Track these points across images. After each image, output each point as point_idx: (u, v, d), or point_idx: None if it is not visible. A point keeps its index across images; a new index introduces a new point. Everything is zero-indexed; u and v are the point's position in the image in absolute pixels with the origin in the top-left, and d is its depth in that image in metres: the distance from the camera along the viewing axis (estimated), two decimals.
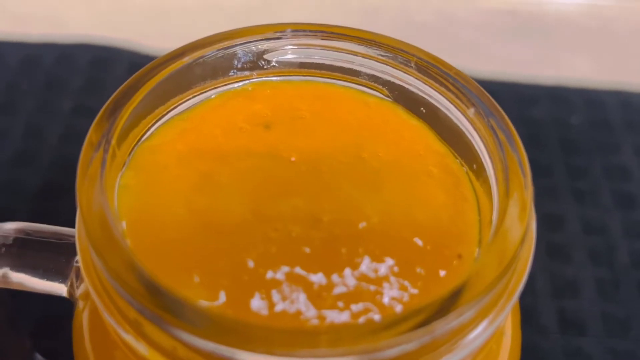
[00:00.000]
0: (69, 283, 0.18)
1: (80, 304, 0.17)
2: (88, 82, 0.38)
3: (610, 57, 0.43)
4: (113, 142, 0.14)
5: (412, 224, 0.14)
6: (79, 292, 0.18)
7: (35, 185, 0.33)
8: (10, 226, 0.18)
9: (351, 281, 0.13)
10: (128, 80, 0.15)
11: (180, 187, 0.15)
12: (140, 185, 0.14)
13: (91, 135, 0.14)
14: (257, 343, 0.11)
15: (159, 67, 0.16)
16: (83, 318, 0.17)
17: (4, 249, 0.18)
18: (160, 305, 0.12)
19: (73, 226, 0.15)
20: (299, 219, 0.14)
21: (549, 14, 0.45)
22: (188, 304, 0.12)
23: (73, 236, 0.18)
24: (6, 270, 0.17)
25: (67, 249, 0.18)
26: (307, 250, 0.14)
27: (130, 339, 0.13)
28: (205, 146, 0.15)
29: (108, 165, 0.14)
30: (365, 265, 0.13)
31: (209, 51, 0.16)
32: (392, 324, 0.12)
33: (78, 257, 0.14)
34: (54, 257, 0.18)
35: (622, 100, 0.39)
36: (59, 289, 0.17)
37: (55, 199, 0.32)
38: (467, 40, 0.43)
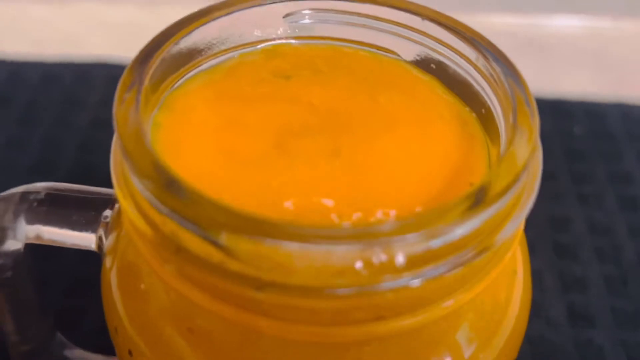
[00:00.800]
0: (98, 236, 0.18)
1: (108, 259, 0.18)
2: (104, 97, 0.39)
3: (609, 76, 0.44)
4: (146, 83, 0.15)
5: (426, 156, 0.15)
6: (107, 245, 0.18)
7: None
8: (41, 184, 0.19)
9: (373, 201, 0.14)
10: (158, 34, 0.16)
11: (209, 126, 0.15)
12: (171, 124, 0.15)
13: (125, 78, 0.15)
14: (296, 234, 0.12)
15: (186, 23, 0.17)
16: (111, 272, 0.18)
17: (35, 204, 0.19)
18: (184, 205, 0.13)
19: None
20: (320, 150, 0.15)
21: (548, 35, 0.47)
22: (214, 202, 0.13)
23: (101, 193, 0.19)
24: (38, 226, 0.18)
25: (96, 203, 0.18)
26: (329, 176, 0.15)
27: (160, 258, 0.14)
28: (231, 93, 0.16)
29: (142, 103, 0.15)
30: (384, 190, 0.14)
31: (235, 10, 0.17)
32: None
33: (112, 177, 0.15)
34: (84, 211, 0.18)
35: (623, 112, 0.41)
36: (89, 240, 0.18)
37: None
38: None
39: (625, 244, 0.34)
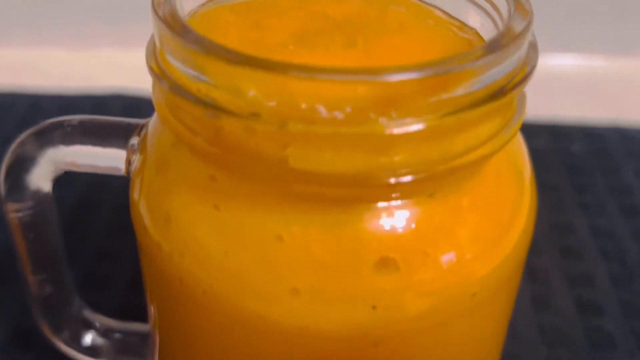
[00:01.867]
0: (126, 160, 0.20)
1: (136, 181, 0.19)
2: None
3: (602, 106, 0.46)
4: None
5: (433, 49, 0.17)
6: (133, 168, 0.19)
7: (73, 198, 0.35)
8: (74, 116, 0.20)
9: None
10: None
11: (234, 28, 0.17)
12: (200, 27, 0.16)
13: None
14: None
15: None
16: (135, 190, 0.19)
17: (69, 128, 0.20)
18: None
19: None
20: (337, 43, 0.16)
21: (545, 72, 0.49)
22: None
23: (129, 122, 0.20)
24: (73, 147, 0.19)
25: (124, 129, 0.20)
26: (346, 60, 0.16)
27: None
28: (254, 6, 0.18)
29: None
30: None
31: None
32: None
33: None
34: (114, 135, 0.20)
35: (617, 131, 0.42)
36: (119, 160, 0.19)
37: (91, 210, 0.34)
38: None
39: (629, 246, 0.35)
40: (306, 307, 0.16)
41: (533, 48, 0.16)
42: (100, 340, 0.24)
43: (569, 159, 0.40)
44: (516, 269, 0.18)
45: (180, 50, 0.15)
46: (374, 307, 0.16)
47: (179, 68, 0.15)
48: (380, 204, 0.15)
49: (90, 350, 0.24)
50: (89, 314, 0.24)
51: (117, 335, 0.25)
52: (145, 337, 0.25)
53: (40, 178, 0.20)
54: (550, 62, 0.50)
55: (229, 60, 0.14)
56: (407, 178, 0.15)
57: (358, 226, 0.15)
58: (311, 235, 0.15)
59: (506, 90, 0.15)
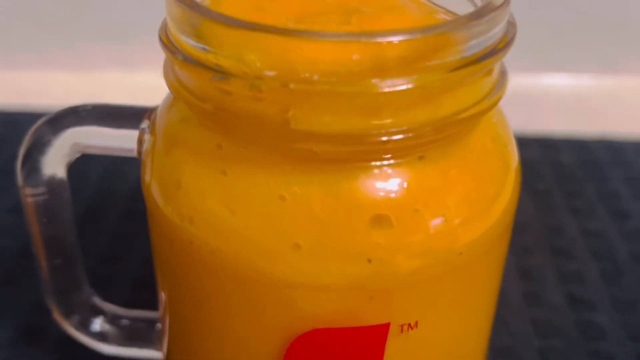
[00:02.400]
0: (138, 140, 0.21)
1: (147, 159, 0.20)
2: None
3: (590, 121, 0.47)
4: None
5: (420, 24, 0.18)
6: (144, 149, 0.21)
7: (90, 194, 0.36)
8: (88, 103, 0.22)
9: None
10: None
11: (237, 12, 0.18)
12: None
13: None
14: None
15: None
16: (146, 168, 0.20)
17: (84, 113, 0.21)
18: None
19: None
20: (333, 21, 0.18)
21: (537, 90, 0.51)
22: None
23: (139, 107, 0.21)
24: (88, 127, 0.21)
25: (135, 114, 0.21)
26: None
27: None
28: None
29: None
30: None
31: None
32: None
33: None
34: (125, 119, 0.21)
35: (605, 143, 0.44)
36: (130, 142, 0.21)
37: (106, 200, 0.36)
38: None
39: (618, 246, 0.36)
40: (307, 261, 0.17)
41: (512, 26, 0.18)
42: (108, 327, 0.25)
43: (560, 169, 0.42)
44: (501, 236, 0.19)
45: (191, 23, 0.16)
46: (369, 261, 0.17)
47: (190, 43, 0.17)
48: (374, 164, 0.17)
49: (99, 335, 0.25)
50: (97, 301, 0.25)
51: (125, 321, 0.26)
52: (152, 324, 0.26)
53: (55, 162, 0.22)
54: (541, 82, 0.52)
55: (234, 26, 0.16)
56: (397, 137, 0.16)
57: (354, 185, 0.17)
58: (311, 194, 0.17)
59: (487, 56, 0.16)
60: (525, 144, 0.44)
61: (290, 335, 0.18)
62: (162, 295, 0.22)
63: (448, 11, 0.20)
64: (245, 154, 0.17)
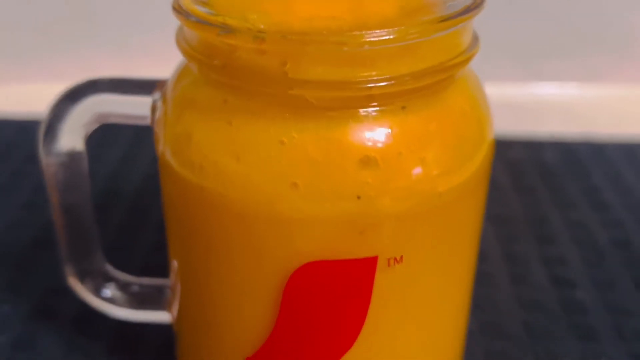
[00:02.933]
0: (151, 108, 0.23)
1: (160, 125, 0.23)
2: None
3: (575, 126, 0.50)
4: None
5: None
6: (156, 117, 0.23)
7: None
8: (106, 77, 0.24)
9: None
10: None
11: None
12: None
13: None
14: None
15: None
16: (160, 131, 0.22)
17: (101, 85, 0.24)
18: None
19: None
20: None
21: (525, 97, 0.54)
22: None
23: (152, 79, 0.24)
24: (107, 95, 0.23)
25: (148, 85, 0.24)
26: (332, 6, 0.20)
27: None
28: None
29: None
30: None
31: None
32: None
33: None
34: (140, 89, 0.23)
35: (588, 144, 0.46)
36: (144, 109, 0.23)
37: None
38: None
39: (599, 234, 0.38)
40: (304, 198, 0.19)
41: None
42: (119, 293, 0.27)
43: (544, 167, 0.44)
44: (476, 187, 0.21)
45: None
46: (358, 197, 0.19)
47: (200, 9, 0.19)
48: (362, 111, 0.19)
49: (110, 300, 0.27)
50: (110, 268, 0.27)
51: (135, 288, 0.28)
52: (161, 290, 0.28)
53: (75, 131, 0.24)
54: (530, 90, 0.54)
55: None
56: (381, 84, 0.18)
57: (344, 130, 0.19)
58: (307, 139, 0.19)
59: (456, 21, 0.19)
60: (516, 145, 0.46)
61: (289, 269, 0.20)
62: (173, 251, 0.24)
63: None
64: (248, 106, 0.19)
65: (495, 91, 0.53)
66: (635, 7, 0.53)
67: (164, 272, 0.27)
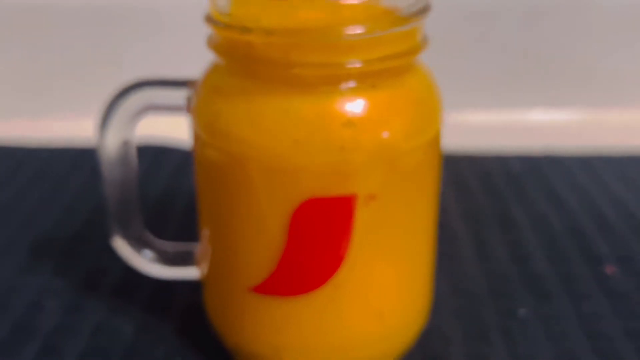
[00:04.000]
0: (187, 98, 0.31)
1: (195, 110, 0.30)
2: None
3: (539, 143, 0.57)
4: None
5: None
6: (191, 105, 0.31)
7: None
8: (150, 77, 0.32)
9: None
10: None
11: None
12: None
13: None
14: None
15: None
16: (195, 115, 0.30)
17: (145, 82, 0.31)
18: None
19: None
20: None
21: (494, 121, 0.61)
22: None
23: (185, 78, 0.31)
24: (151, 90, 0.30)
25: (182, 83, 0.31)
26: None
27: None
28: None
29: None
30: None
31: None
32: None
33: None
34: (178, 84, 0.31)
35: (550, 157, 0.54)
36: (182, 100, 0.30)
37: None
38: None
39: (555, 223, 0.45)
40: (303, 151, 0.26)
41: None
42: (155, 255, 0.34)
43: (511, 176, 0.51)
44: (429, 149, 0.28)
45: (224, 5, 0.27)
46: (342, 148, 0.26)
47: (226, 18, 0.27)
48: (343, 87, 0.26)
49: (149, 259, 0.34)
50: (149, 235, 0.34)
51: (169, 250, 0.34)
52: (191, 253, 0.34)
53: (125, 121, 0.31)
54: (500, 116, 0.62)
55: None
56: (356, 65, 0.26)
57: (332, 101, 0.26)
58: (304, 107, 0.26)
59: (408, 21, 0.26)
60: (486, 159, 0.53)
61: (293, 206, 0.27)
62: (204, 208, 0.31)
63: None
64: (261, 87, 0.27)
65: (470, 117, 0.61)
66: (594, 41, 0.61)
67: (193, 238, 0.34)
